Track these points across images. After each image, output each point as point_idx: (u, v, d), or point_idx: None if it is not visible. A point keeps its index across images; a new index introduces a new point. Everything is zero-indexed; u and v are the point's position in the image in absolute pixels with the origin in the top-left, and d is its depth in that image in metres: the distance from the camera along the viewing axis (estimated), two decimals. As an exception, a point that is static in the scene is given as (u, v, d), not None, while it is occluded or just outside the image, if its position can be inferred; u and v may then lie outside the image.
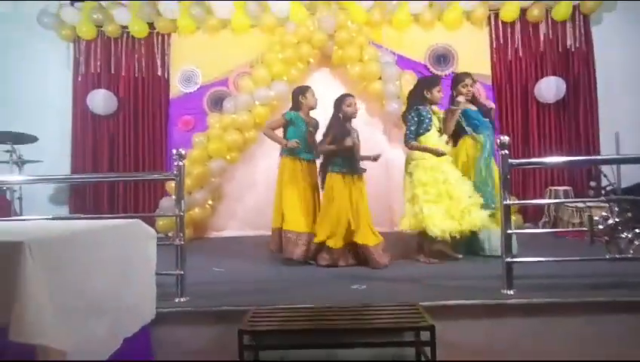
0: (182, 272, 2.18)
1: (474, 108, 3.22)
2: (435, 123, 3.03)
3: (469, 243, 3.09)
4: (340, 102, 3.07)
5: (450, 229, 2.75)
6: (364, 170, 3.05)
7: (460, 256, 3.00)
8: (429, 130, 2.96)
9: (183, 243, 2.20)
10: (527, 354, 1.87)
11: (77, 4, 4.90)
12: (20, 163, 4.13)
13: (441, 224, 2.74)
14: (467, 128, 3.18)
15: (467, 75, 3.22)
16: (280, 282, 2.55)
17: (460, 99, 3.07)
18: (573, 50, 4.81)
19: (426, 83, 3.12)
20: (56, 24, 4.82)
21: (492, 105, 3.27)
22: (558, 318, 1.91)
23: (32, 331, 1.15)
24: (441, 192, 2.83)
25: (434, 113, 3.05)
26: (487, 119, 3.19)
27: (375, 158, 3.03)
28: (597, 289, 2.03)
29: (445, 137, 3.08)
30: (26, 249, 1.21)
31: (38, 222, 2.07)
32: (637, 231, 2.00)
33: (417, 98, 3.05)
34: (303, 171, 3.21)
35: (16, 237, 1.25)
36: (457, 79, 3.21)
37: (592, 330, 1.88)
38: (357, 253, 2.93)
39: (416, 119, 2.96)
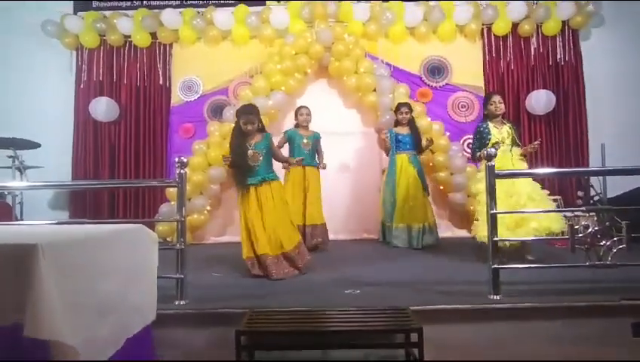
0: (182, 276, 2.26)
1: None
2: (496, 135, 3.21)
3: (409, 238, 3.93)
4: (237, 117, 2.97)
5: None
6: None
7: (532, 257, 3.07)
8: (486, 145, 3.18)
9: (183, 247, 2.29)
10: (510, 354, 1.96)
11: (80, 13, 5.03)
12: (22, 168, 4.21)
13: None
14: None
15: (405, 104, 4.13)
16: (277, 286, 2.63)
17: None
18: (562, 63, 4.98)
19: (484, 101, 3.41)
20: (59, 33, 4.94)
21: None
22: (540, 322, 2.01)
23: (45, 327, 1.22)
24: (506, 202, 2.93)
25: (497, 127, 3.25)
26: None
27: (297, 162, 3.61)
28: (577, 294, 2.13)
29: (515, 149, 3.20)
30: (39, 251, 1.29)
31: (46, 226, 2.15)
32: (615, 239, 2.10)
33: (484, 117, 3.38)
34: (306, 175, 3.92)
35: (29, 239, 1.33)
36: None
37: (572, 332, 1.98)
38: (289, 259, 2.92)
39: (478, 136, 3.29)
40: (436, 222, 4.18)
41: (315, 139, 4.07)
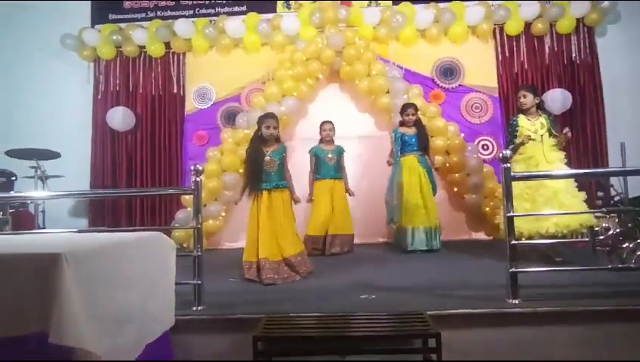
0: (199, 282, 2.29)
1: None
2: (527, 127, 3.21)
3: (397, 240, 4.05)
4: (259, 122, 3.14)
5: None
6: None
7: (559, 258, 3.04)
8: (515, 137, 3.24)
9: (200, 254, 2.32)
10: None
11: (97, 26, 5.18)
12: (44, 178, 4.34)
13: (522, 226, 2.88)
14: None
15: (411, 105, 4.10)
16: (293, 292, 2.64)
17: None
18: (578, 62, 4.88)
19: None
20: (77, 46, 5.09)
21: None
22: (561, 326, 1.96)
23: (69, 334, 1.25)
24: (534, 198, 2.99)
25: (530, 119, 3.25)
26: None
27: None
28: (599, 298, 2.08)
29: (550, 140, 3.19)
30: (63, 260, 1.33)
31: (67, 235, 2.22)
32: (638, 241, 2.04)
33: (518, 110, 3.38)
34: (334, 187, 4.13)
35: (54, 249, 1.37)
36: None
37: (594, 338, 1.93)
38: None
39: (509, 130, 3.32)
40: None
41: (339, 153, 4.24)
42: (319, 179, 4.14)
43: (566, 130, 3.19)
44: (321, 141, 4.25)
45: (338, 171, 4.22)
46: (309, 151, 4.24)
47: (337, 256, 3.95)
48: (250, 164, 3.06)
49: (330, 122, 4.25)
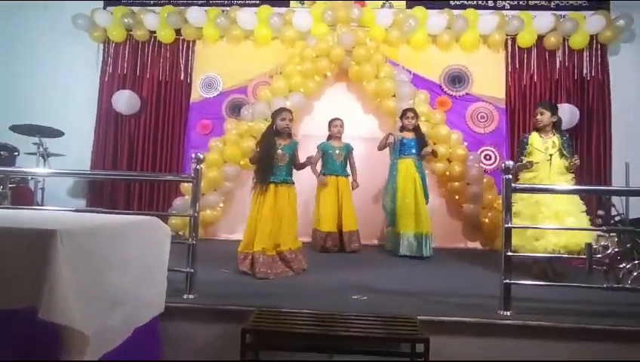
0: (192, 270, 2.29)
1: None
2: (538, 145, 3.16)
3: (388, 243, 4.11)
4: (274, 115, 3.18)
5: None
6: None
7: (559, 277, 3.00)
8: (524, 155, 3.21)
9: (195, 242, 2.32)
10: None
11: (109, 8, 5.17)
12: (46, 155, 4.34)
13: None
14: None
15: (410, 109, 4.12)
16: (285, 287, 2.64)
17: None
18: (588, 78, 4.85)
19: None
20: (89, 26, 5.08)
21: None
22: (551, 342, 1.96)
23: (58, 312, 1.25)
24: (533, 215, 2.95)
25: (542, 136, 3.20)
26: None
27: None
28: (592, 316, 2.07)
29: (560, 161, 3.11)
30: (58, 237, 1.32)
31: (64, 213, 2.21)
32: (636, 262, 2.03)
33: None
34: (339, 184, 4.12)
35: (49, 225, 1.37)
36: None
37: (584, 355, 1.93)
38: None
39: (520, 146, 3.31)
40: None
41: (347, 150, 4.25)
42: (325, 175, 4.15)
43: (575, 158, 3.10)
44: (330, 137, 4.25)
45: (344, 169, 4.22)
46: (318, 146, 4.23)
47: (357, 252, 4.04)
48: (262, 155, 3.06)
49: (340, 119, 4.25)
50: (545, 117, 3.19)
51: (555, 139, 3.16)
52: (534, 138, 3.21)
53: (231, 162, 4.61)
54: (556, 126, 3.24)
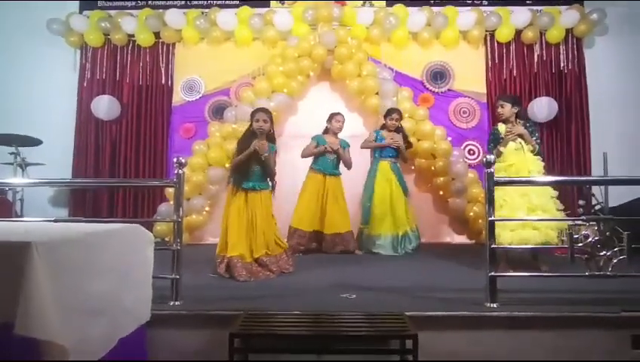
0: (177, 276, 2.25)
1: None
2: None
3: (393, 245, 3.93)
4: (250, 116, 3.10)
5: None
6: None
7: (546, 268, 3.02)
8: (500, 145, 3.26)
9: (179, 248, 2.28)
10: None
11: (86, 12, 5.05)
12: (24, 165, 4.22)
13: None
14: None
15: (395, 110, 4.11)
16: (272, 289, 2.62)
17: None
18: (566, 71, 4.96)
19: None
20: (64, 31, 4.97)
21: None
22: (538, 332, 1.99)
23: (36, 326, 1.21)
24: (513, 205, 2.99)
25: (509, 128, 3.25)
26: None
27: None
28: (576, 305, 2.11)
29: (527, 146, 3.18)
30: (33, 249, 1.28)
31: (42, 224, 2.15)
32: (616, 249, 2.08)
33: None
34: (325, 184, 3.91)
35: (25, 237, 1.33)
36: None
37: (570, 343, 1.96)
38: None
39: (490, 138, 3.38)
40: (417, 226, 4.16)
41: (343, 147, 3.99)
42: (314, 170, 3.95)
43: (536, 138, 3.20)
44: (327, 131, 4.01)
45: (336, 167, 3.98)
46: (312, 138, 3.98)
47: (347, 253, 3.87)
48: (240, 159, 2.99)
49: (342, 115, 4.04)
50: (506, 109, 3.28)
51: (519, 127, 3.26)
52: (502, 128, 3.31)
53: (215, 165, 4.56)
54: (519, 116, 3.35)
